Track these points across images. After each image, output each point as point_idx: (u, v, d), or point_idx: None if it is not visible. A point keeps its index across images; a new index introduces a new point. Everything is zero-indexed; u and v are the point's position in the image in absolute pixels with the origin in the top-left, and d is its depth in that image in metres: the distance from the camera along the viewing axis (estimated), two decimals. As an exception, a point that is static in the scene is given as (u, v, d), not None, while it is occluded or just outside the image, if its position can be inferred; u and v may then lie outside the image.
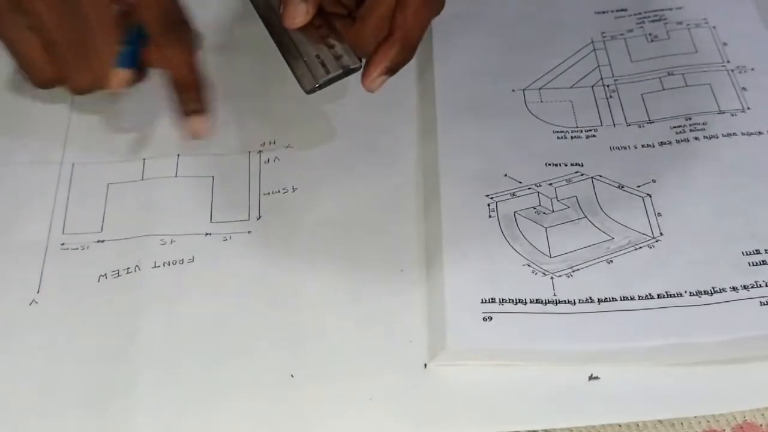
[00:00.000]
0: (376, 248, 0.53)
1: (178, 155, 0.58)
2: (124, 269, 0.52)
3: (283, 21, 0.54)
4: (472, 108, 0.59)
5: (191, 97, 0.57)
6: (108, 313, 0.51)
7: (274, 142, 0.58)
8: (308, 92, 0.55)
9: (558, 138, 0.57)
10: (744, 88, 0.58)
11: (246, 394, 0.48)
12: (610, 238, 0.52)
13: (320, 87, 0.55)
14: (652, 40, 0.62)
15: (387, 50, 0.53)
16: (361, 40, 0.54)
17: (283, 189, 0.56)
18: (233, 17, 0.65)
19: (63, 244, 0.54)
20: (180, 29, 0.56)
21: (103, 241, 0.54)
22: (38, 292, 0.52)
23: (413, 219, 0.54)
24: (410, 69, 0.61)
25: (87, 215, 0.55)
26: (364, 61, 0.54)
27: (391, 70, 0.54)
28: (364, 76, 0.54)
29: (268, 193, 0.56)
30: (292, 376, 0.48)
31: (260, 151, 0.58)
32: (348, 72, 0.54)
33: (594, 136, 0.57)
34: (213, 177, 0.57)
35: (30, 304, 0.51)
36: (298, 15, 0.53)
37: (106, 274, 0.52)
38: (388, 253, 0.53)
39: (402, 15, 0.53)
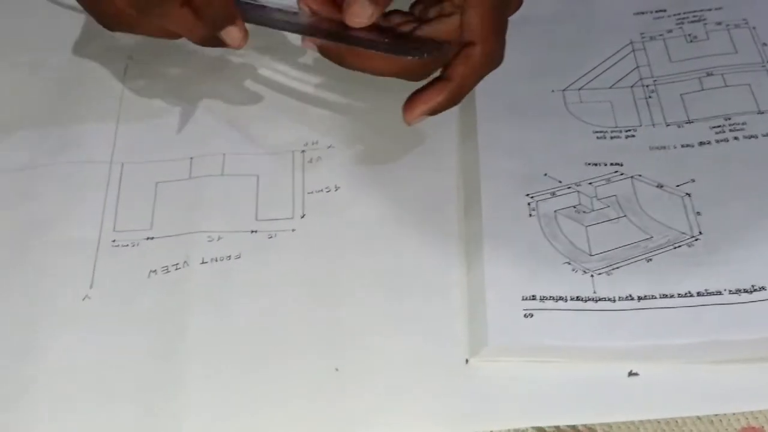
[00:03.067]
0: (417, 246, 0.54)
1: (224, 154, 0.59)
2: (173, 265, 0.54)
3: (345, 19, 0.52)
4: (512, 109, 0.59)
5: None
6: (158, 308, 0.52)
7: (317, 143, 0.59)
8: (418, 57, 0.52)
9: (597, 138, 0.58)
10: (784, 88, 0.59)
11: (291, 387, 0.49)
12: (649, 236, 0.52)
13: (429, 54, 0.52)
14: (691, 41, 0.62)
15: (436, 94, 0.53)
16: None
17: (326, 188, 0.57)
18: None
19: (114, 241, 0.55)
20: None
21: (152, 238, 0.55)
22: (91, 287, 0.53)
23: (454, 217, 0.55)
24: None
25: (137, 213, 0.56)
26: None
27: (434, 112, 0.53)
28: (406, 110, 0.53)
29: (312, 192, 0.57)
30: (336, 369, 0.49)
31: (303, 151, 0.59)
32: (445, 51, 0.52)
33: (633, 136, 0.57)
34: (258, 176, 0.58)
35: (83, 299, 0.53)
36: (363, 16, 0.52)
37: (156, 270, 0.53)
38: (429, 251, 0.53)
39: (464, 67, 0.52)
